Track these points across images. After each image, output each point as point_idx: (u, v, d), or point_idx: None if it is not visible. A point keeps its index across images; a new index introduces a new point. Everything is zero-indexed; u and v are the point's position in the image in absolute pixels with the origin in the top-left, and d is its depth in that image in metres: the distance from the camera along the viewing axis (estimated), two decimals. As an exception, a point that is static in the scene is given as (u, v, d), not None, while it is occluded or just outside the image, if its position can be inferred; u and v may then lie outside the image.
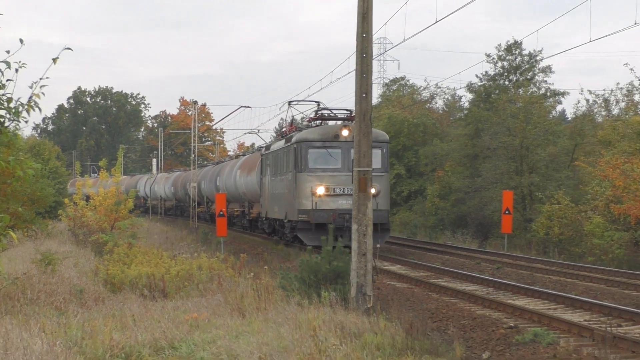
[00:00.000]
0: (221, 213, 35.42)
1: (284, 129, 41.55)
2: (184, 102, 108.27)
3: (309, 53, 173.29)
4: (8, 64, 7.30)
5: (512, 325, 16.96)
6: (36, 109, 8.13)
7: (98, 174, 48.33)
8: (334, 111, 34.89)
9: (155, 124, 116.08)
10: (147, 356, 14.22)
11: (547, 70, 51.12)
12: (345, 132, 30.66)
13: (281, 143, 36.36)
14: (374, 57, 23.23)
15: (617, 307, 18.53)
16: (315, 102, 38.84)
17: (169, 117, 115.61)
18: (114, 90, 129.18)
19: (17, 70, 7.54)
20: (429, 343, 15.16)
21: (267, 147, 41.05)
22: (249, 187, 43.28)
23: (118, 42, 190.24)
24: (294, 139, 32.30)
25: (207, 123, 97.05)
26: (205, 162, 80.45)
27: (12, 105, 7.78)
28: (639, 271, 28.30)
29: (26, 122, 8.57)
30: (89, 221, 36.82)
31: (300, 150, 31.34)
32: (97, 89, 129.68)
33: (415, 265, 29.42)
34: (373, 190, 28.41)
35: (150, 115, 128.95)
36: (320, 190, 30.42)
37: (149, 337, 15.55)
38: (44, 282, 23.29)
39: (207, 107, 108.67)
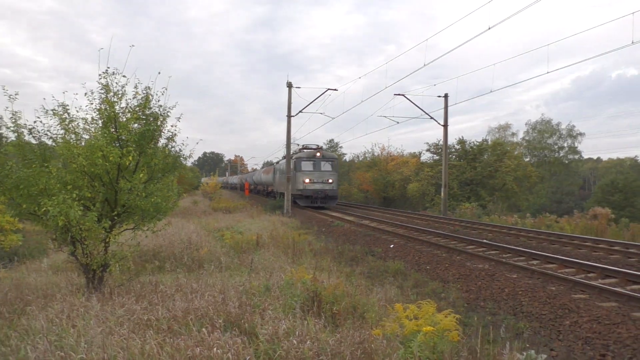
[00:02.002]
0: (246, 188, 48.76)
1: (284, 155, 44.62)
2: (236, 156, 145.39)
3: (274, 142, 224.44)
4: (188, 151, 9.18)
5: (332, 220, 23.98)
6: (190, 157, 9.44)
7: (210, 177, 67.19)
8: (311, 145, 35.78)
9: (228, 163, 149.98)
10: (225, 230, 19.37)
11: (341, 147, 72.71)
12: (317, 154, 33.13)
13: (284, 161, 37.87)
14: (292, 142, 30.33)
15: (361, 215, 26.34)
16: (297, 144, 40.80)
17: (231, 161, 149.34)
18: (216, 152, 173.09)
19: (185, 146, 9.07)
20: (307, 226, 22.76)
21: (277, 163, 44.29)
22: (267, 179, 48.75)
23: (213, 134, 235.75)
24: (293, 157, 33.16)
25: (244, 162, 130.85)
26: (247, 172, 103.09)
27: (186, 156, 9.11)
28: (368, 205, 40.09)
29: (189, 160, 9.70)
30: (207, 190, 52.04)
31: (297, 162, 32.36)
32: (209, 152, 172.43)
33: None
34: (330, 181, 32.79)
35: (225, 160, 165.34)
36: (306, 180, 31.98)
37: (225, 224, 22.24)
38: (192, 209, 30.68)
39: (242, 157, 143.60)
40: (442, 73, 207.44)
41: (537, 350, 5.90)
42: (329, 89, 28.45)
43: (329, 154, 34.56)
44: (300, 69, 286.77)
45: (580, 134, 66.51)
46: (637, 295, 8.48)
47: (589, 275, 10.77)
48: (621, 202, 40.65)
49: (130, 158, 7.76)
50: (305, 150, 34.59)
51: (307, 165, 32.48)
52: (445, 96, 29.96)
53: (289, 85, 28.78)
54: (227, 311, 6.21)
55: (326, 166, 33.21)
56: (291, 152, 31.22)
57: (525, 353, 5.21)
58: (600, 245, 14.84)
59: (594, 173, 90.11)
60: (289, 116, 28.90)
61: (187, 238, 14.58)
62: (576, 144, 66.82)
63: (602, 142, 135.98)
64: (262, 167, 66.36)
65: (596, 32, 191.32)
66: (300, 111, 29.73)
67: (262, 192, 56.79)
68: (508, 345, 5.37)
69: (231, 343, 5.06)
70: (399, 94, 29.12)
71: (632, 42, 15.12)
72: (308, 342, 5.13)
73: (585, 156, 78.16)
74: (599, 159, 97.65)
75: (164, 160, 8.65)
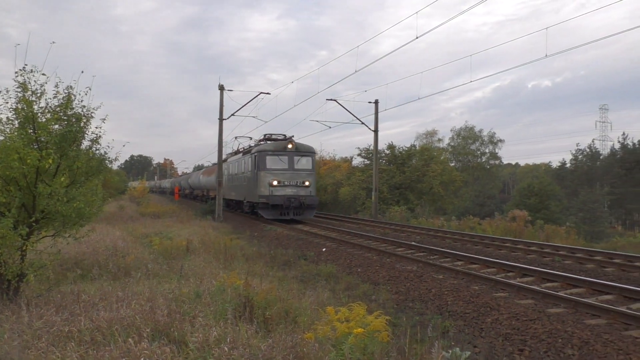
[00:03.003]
0: (175, 192, 46.55)
1: (236, 149, 36.16)
2: (165, 159, 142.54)
3: (205, 145, 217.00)
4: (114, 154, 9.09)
5: (264, 225, 23.97)
6: (116, 160, 9.41)
7: (139, 181, 64.37)
8: (277, 135, 28.35)
9: (157, 166, 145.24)
10: (154, 236, 18.33)
11: None
12: (289, 146, 25.44)
13: (238, 156, 30.84)
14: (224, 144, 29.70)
15: (303, 223, 25.45)
16: (249, 137, 35.70)
17: (160, 164, 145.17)
18: (144, 155, 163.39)
19: (110, 148, 8.97)
20: (239, 231, 22.22)
21: (226, 161, 34.40)
22: (208, 183, 42.14)
23: (141, 137, 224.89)
24: (254, 151, 26.36)
25: (173, 165, 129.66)
26: (177, 175, 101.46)
27: (111, 159, 9.00)
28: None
29: (115, 164, 9.76)
30: (135, 194, 48.88)
31: (260, 157, 25.34)
32: (136, 155, 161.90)
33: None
34: (307, 183, 25.10)
35: (155, 163, 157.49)
36: (274, 182, 24.78)
37: (154, 230, 20.97)
38: (118, 214, 29.63)
39: (172, 160, 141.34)
40: (372, 79, 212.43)
41: (462, 348, 6.15)
42: (261, 93, 28.19)
43: (305, 146, 26.19)
44: (232, 72, 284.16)
45: (500, 141, 70.74)
46: (551, 292, 9.07)
47: (508, 274, 11.38)
48: (537, 205, 43.20)
49: (50, 161, 7.43)
50: (270, 142, 27.20)
51: (274, 162, 25.20)
52: (376, 102, 30.69)
53: (221, 88, 28.39)
54: (155, 320, 6.01)
55: (302, 163, 25.49)
56: (253, 144, 29.03)
57: (450, 351, 5.42)
58: (518, 246, 15.73)
59: (512, 177, 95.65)
60: (221, 119, 28.37)
61: (113, 245, 13.96)
62: (497, 150, 70.99)
63: (519, 149, 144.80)
64: (196, 170, 63.26)
65: (515, 44, 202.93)
66: (232, 114, 29.02)
67: (200, 197, 48.46)
68: (435, 344, 5.56)
69: (159, 352, 4.91)
70: (331, 99, 29.57)
71: (546, 55, 16.23)
72: (240, 349, 5.07)
73: (505, 162, 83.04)
74: (517, 165, 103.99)
75: (87, 164, 8.33)
